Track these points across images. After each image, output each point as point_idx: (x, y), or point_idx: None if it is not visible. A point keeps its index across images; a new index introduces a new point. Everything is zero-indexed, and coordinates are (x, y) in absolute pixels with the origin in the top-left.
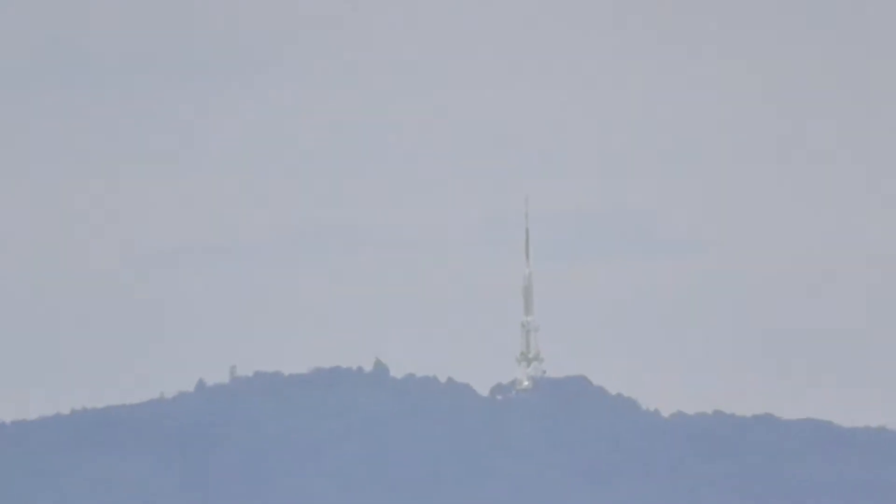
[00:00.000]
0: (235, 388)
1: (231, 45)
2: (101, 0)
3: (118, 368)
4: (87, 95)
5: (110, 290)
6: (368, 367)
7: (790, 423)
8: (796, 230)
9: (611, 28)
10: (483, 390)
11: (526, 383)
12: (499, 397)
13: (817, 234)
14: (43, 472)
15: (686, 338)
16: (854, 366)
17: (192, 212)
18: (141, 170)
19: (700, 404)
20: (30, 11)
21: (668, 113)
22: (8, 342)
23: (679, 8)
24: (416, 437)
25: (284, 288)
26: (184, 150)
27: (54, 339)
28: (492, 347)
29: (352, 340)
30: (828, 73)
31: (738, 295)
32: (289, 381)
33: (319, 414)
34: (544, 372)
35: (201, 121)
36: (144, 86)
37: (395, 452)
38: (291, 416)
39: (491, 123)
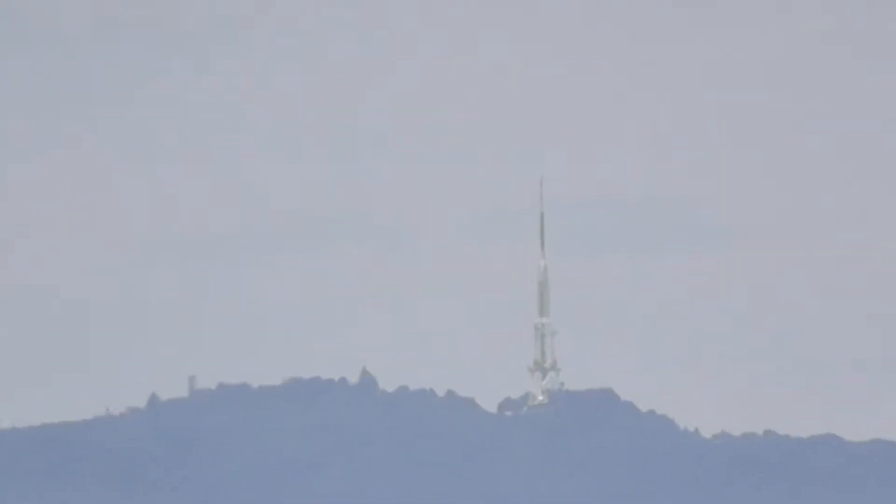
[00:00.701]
0: (195, 402)
1: (224, 29)
2: None
3: (56, 380)
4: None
5: (44, 290)
6: (354, 378)
7: (856, 446)
8: (861, 218)
9: None
10: (490, 406)
11: (540, 398)
12: (508, 414)
13: (884, 226)
14: None
15: (731, 344)
16: None
17: (145, 202)
18: (90, 158)
19: (748, 423)
20: None
21: (704, 87)
22: None
23: None
24: (409, 460)
25: (255, 286)
26: (144, 136)
27: None
28: (500, 355)
29: (334, 347)
30: (878, 52)
31: (793, 294)
32: (259, 395)
33: (295, 433)
34: (562, 384)
35: (172, 107)
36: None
37: (385, 478)
38: (262, 436)
39: (499, 101)
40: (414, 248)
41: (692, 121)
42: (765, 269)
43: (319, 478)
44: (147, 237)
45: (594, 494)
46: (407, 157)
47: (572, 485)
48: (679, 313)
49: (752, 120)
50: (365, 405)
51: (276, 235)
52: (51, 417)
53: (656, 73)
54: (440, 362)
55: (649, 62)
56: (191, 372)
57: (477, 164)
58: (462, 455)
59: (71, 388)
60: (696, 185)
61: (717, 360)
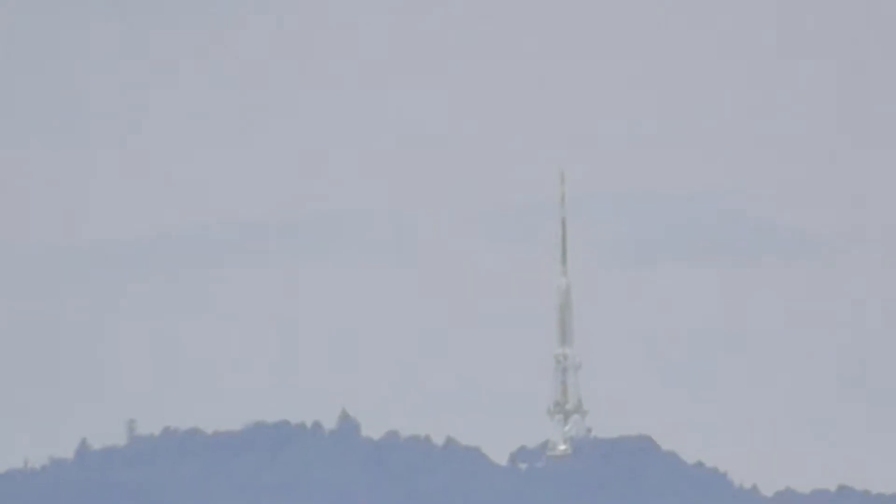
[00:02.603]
0: (135, 451)
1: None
2: None
3: None
4: None
5: None
6: (331, 423)
7: None
8: None
9: None
10: (500, 457)
11: (563, 447)
12: (523, 467)
13: None
14: None
15: (797, 381)
16: None
17: (73, 210)
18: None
19: (818, 478)
20: None
21: (762, 65)
22: None
23: None
24: None
25: (209, 309)
26: (85, 122)
27: None
28: (513, 394)
29: (306, 385)
30: None
31: (871, 319)
32: (213, 443)
33: (257, 491)
34: (589, 430)
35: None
36: None
37: None
38: (216, 495)
39: (513, 79)
40: (405, 259)
41: (743, 106)
42: (840, 287)
43: None
44: (72, 247)
45: None
46: (393, 154)
47: None
48: (731, 342)
49: (817, 106)
50: (344, 456)
51: (236, 245)
52: None
53: (697, 55)
54: (438, 403)
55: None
56: (130, 414)
57: (483, 159)
58: None
59: None
60: (756, 180)
61: (779, 400)
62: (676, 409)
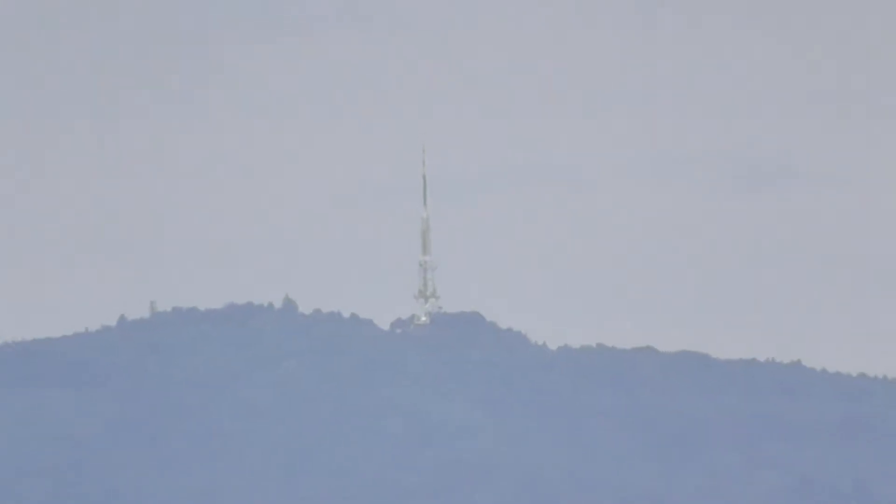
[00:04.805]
0: (155, 322)
1: None
2: None
3: (40, 301)
4: None
5: (24, 217)
6: (279, 304)
7: (668, 356)
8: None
9: None
10: (384, 325)
11: (423, 318)
12: (398, 331)
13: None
14: None
15: (570, 271)
16: (730, 300)
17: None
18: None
19: (585, 338)
20: None
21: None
22: None
23: None
24: (321, 368)
25: (201, 224)
26: None
27: None
28: (392, 285)
29: (264, 277)
30: None
31: (619, 231)
32: (205, 317)
33: (232, 349)
34: (440, 308)
35: None
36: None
37: (303, 383)
38: (206, 352)
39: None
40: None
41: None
42: (594, 204)
43: (251, 384)
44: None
45: (465, 393)
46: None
47: (448, 386)
48: (536, 247)
49: None
50: (287, 326)
51: (214, 181)
52: (36, 334)
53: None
54: (348, 291)
55: None
56: (152, 297)
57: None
58: (362, 363)
59: (54, 309)
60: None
61: (560, 282)
62: (497, 294)
